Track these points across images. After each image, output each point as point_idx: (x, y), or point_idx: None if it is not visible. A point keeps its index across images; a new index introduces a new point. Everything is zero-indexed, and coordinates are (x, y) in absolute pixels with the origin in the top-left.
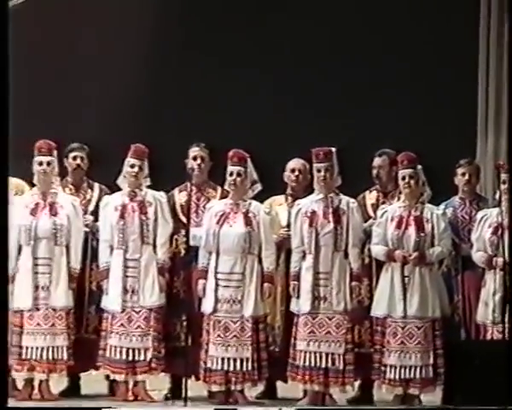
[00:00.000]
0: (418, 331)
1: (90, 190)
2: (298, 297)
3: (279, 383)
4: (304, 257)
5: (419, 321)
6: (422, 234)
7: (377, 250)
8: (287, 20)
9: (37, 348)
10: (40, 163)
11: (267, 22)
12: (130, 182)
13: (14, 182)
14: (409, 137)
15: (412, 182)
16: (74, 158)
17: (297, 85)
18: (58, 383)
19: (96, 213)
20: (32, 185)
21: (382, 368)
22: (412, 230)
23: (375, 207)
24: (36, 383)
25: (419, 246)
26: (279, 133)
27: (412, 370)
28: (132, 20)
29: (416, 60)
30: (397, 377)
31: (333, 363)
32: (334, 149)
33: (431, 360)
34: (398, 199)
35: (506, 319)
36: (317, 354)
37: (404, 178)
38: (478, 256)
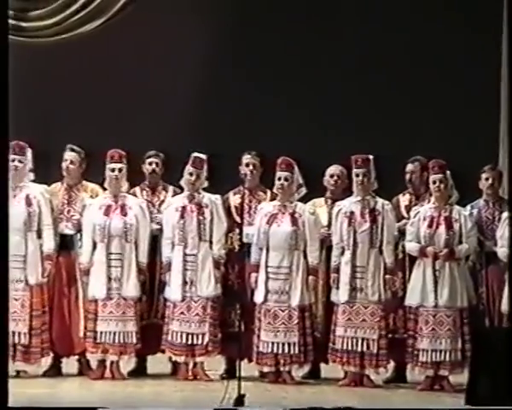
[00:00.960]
0: (448, 319)
1: (164, 192)
2: (337, 288)
3: (322, 365)
4: (343, 253)
5: (449, 310)
6: (451, 232)
7: (411, 247)
8: (328, 32)
9: (109, 333)
10: (112, 170)
11: (313, 36)
12: (189, 187)
13: (89, 186)
14: (438, 145)
15: (442, 186)
16: (150, 164)
17: (337, 99)
18: (127, 363)
19: None
20: (105, 189)
21: (415, 352)
22: (442, 229)
23: (409, 208)
24: (108, 364)
25: (448, 243)
26: (321, 142)
27: (442, 353)
28: (191, 36)
29: (444, 72)
30: (428, 360)
31: (368, 347)
32: (371, 157)
33: (459, 345)
34: (429, 201)
35: None
36: (354, 339)
37: (434, 183)
38: (502, 252)
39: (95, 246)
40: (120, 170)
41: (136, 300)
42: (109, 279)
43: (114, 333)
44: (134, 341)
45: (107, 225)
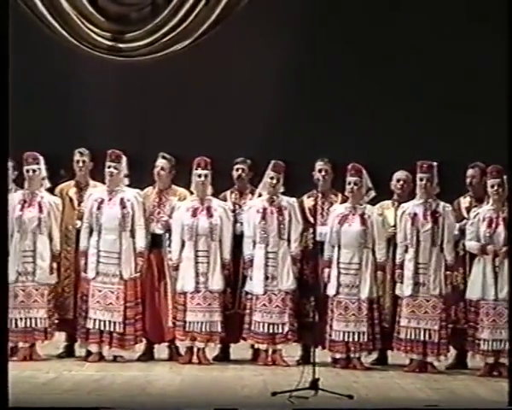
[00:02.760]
0: (507, 311)
1: (250, 195)
2: (401, 283)
3: (389, 352)
4: (406, 250)
5: (508, 303)
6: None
7: (471, 245)
8: (393, 43)
9: (197, 323)
10: (199, 175)
11: (380, 48)
12: (269, 190)
13: (178, 190)
14: (496, 151)
15: (500, 189)
16: (237, 170)
17: (404, 109)
18: (212, 350)
19: None
20: (192, 193)
21: (476, 341)
22: (501, 228)
23: (469, 209)
24: (195, 350)
25: (507, 242)
26: (389, 149)
27: (503, 343)
28: (271, 49)
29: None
30: (489, 348)
31: (429, 337)
32: (435, 163)
33: None
34: (487, 203)
35: None
36: (417, 330)
37: (492, 186)
38: None
39: (183, 244)
40: (206, 176)
41: (221, 292)
42: (197, 274)
43: (202, 323)
44: (219, 330)
45: (195, 225)
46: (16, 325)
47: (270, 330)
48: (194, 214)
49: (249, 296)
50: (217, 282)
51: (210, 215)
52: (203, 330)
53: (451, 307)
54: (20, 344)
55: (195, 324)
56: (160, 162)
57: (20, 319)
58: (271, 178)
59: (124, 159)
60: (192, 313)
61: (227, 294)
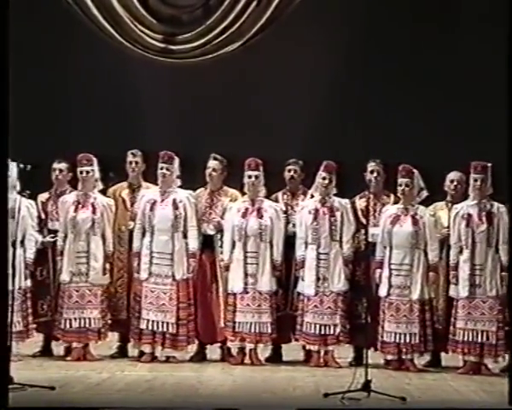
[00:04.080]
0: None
1: (302, 196)
2: (456, 284)
3: (443, 354)
4: (461, 251)
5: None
6: None
7: None
8: (449, 46)
9: (246, 323)
10: (250, 176)
11: (433, 50)
12: (321, 191)
13: (230, 191)
14: None
15: None
16: (289, 170)
17: (456, 111)
18: (264, 351)
19: None
20: (244, 194)
21: None
22: None
23: None
24: (247, 351)
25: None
26: (443, 149)
27: None
28: (320, 52)
29: None
30: None
31: (487, 338)
32: (489, 164)
33: None
34: None
35: None
36: (474, 331)
37: None
38: None
39: (234, 245)
40: (257, 177)
41: (271, 294)
42: (246, 275)
43: (251, 324)
44: (269, 331)
45: (244, 226)
46: (70, 326)
47: (322, 332)
48: (245, 215)
49: (301, 297)
50: (266, 283)
51: (260, 216)
52: (252, 331)
53: (506, 308)
54: (74, 344)
55: (244, 324)
56: (212, 163)
57: (75, 319)
58: (323, 178)
59: (176, 160)
60: (241, 313)
61: (278, 295)
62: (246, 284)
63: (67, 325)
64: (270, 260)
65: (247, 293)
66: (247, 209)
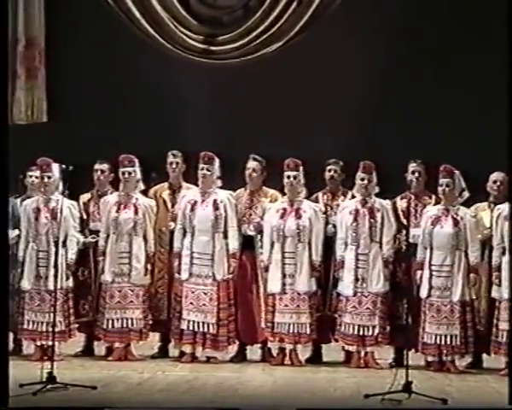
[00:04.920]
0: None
1: (342, 197)
2: (499, 286)
3: (484, 356)
4: (504, 252)
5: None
6: None
7: None
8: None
9: (284, 324)
10: (288, 177)
11: (473, 56)
12: (361, 192)
13: (270, 191)
14: None
15: None
16: (329, 170)
17: (501, 111)
18: (304, 351)
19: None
20: (284, 194)
21: None
22: None
23: None
24: (287, 351)
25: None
26: (485, 149)
27: None
28: (360, 51)
29: None
30: None
31: None
32: None
33: None
34: None
35: None
36: None
37: None
38: None
39: (272, 246)
40: (295, 177)
41: (310, 294)
42: (284, 275)
43: (289, 324)
44: (307, 331)
45: (282, 227)
46: (113, 326)
47: (360, 333)
48: (283, 216)
49: (340, 298)
50: (304, 283)
51: (298, 217)
52: (290, 331)
53: None
54: (116, 344)
55: (283, 325)
56: (252, 164)
57: (117, 319)
58: (362, 179)
59: (216, 161)
60: (280, 314)
61: (317, 295)
62: (284, 284)
63: (109, 325)
64: (309, 260)
65: (286, 294)
66: (285, 210)
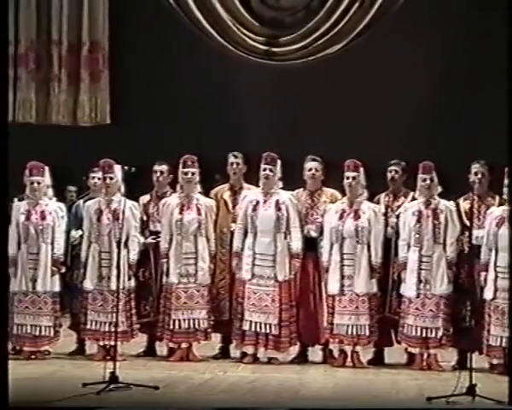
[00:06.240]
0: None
1: (403, 198)
2: None
3: None
4: None
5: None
6: None
7: None
8: None
9: (343, 325)
10: (347, 178)
11: None
12: (424, 193)
13: (329, 191)
14: None
15: None
16: (390, 171)
17: None
18: (366, 353)
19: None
20: (344, 195)
21: None
22: None
23: None
24: (349, 353)
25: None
26: None
27: None
28: (421, 53)
29: None
30: None
31: None
32: None
33: None
34: None
35: None
36: None
37: None
38: None
39: (332, 247)
40: (354, 178)
41: (369, 296)
42: (342, 277)
43: (347, 326)
44: (367, 333)
45: (341, 228)
46: (180, 326)
47: (423, 335)
48: (341, 217)
49: (403, 299)
50: (362, 285)
51: (357, 218)
52: (349, 333)
53: None
54: (183, 345)
55: (342, 326)
56: (313, 164)
57: (184, 320)
58: (423, 180)
59: (278, 162)
60: (339, 315)
61: (377, 297)
62: (342, 285)
63: (176, 326)
64: (368, 262)
65: (344, 295)
66: (344, 211)
